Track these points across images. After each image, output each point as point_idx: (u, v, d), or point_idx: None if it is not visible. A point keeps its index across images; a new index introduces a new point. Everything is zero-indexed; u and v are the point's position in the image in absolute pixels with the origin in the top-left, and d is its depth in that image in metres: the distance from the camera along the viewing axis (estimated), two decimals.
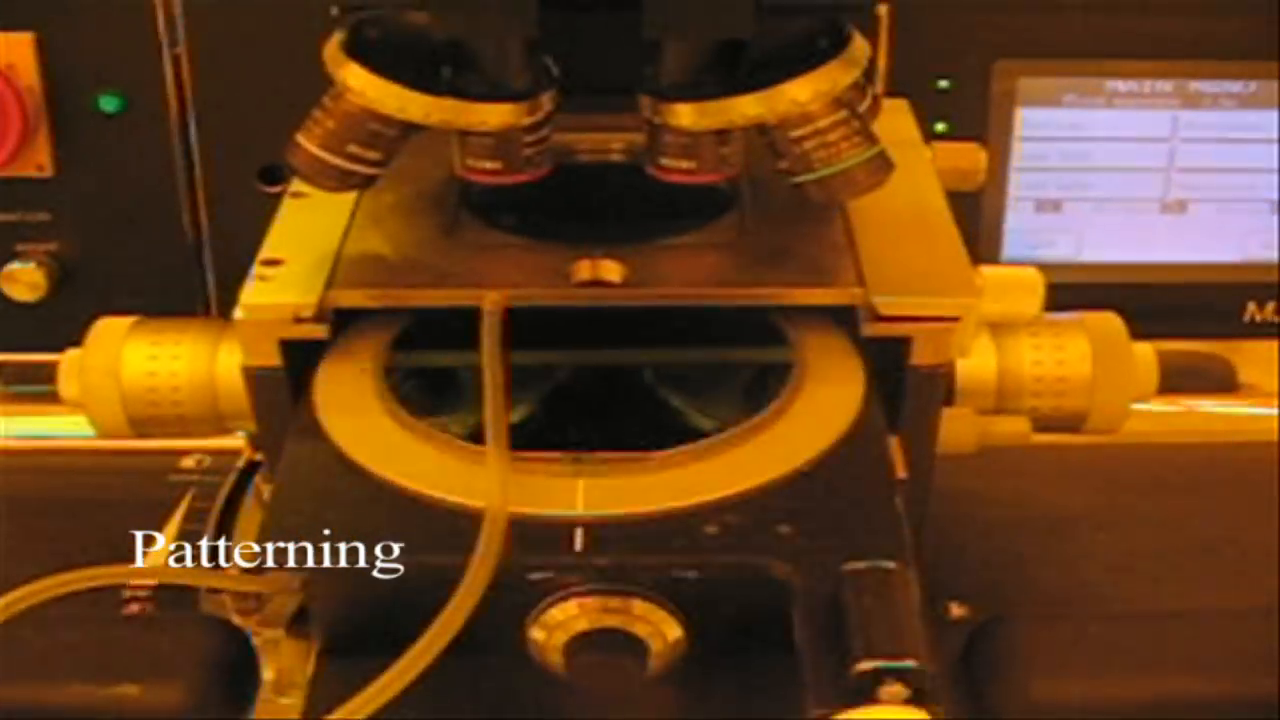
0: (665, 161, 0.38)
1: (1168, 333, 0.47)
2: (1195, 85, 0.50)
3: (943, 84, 0.49)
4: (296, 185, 0.41)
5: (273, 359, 0.36)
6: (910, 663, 0.28)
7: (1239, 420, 0.56)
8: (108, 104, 0.49)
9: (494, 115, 0.36)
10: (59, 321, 0.49)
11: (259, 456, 0.52)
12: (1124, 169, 0.51)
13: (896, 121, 0.45)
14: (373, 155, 0.37)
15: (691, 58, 0.36)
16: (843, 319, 0.37)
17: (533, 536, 0.31)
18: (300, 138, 0.37)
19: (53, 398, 0.44)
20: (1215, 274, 0.53)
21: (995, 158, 0.50)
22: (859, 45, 0.37)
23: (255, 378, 0.37)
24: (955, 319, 0.36)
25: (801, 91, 0.35)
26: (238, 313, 0.36)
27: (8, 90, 0.48)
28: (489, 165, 0.38)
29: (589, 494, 0.33)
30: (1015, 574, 0.47)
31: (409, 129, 0.37)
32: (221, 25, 0.49)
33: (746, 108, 0.36)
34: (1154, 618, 0.43)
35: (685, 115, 0.36)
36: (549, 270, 0.37)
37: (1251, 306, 0.52)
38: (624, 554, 0.32)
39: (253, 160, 0.50)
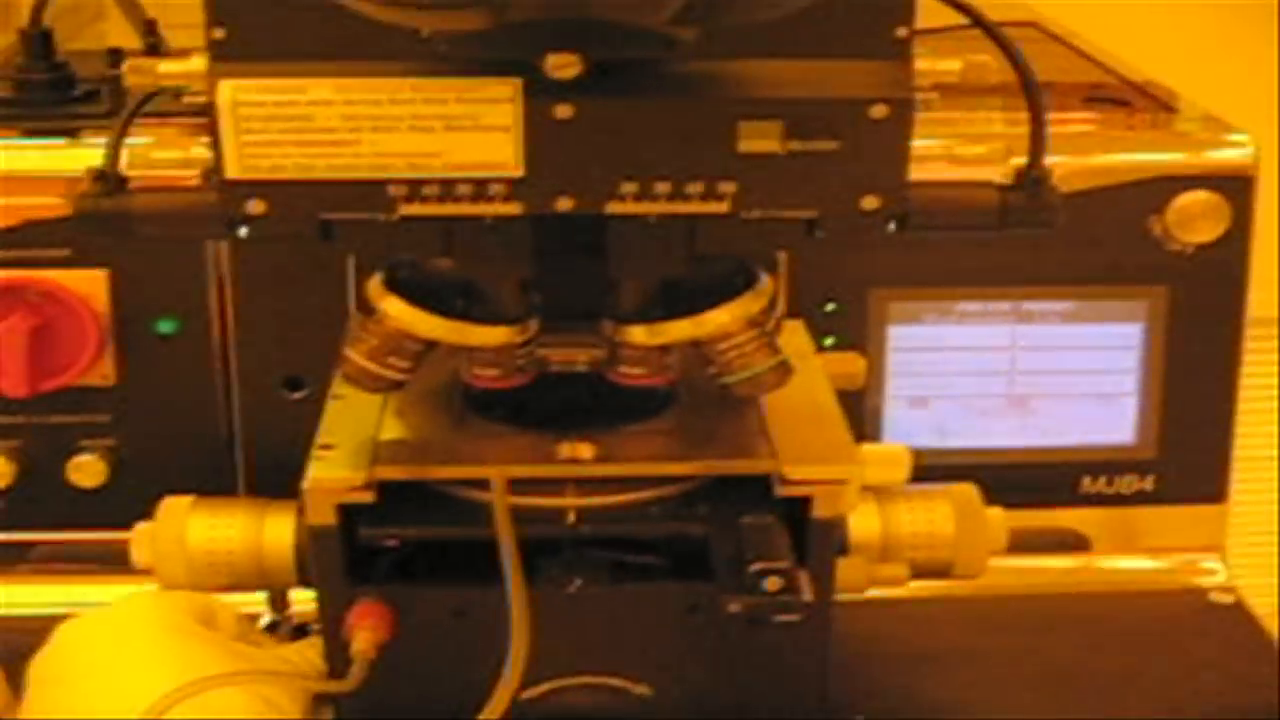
0: (623, 369, 0.50)
1: (1017, 503, 0.60)
2: (1028, 305, 0.64)
3: (830, 308, 0.63)
4: (337, 388, 0.52)
5: (330, 519, 0.47)
6: (784, 564, 0.44)
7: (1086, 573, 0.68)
8: (164, 327, 0.61)
9: (495, 336, 0.49)
10: (117, 506, 0.60)
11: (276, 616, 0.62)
12: (975, 373, 0.64)
13: (795, 337, 0.57)
14: (404, 365, 0.49)
15: (642, 293, 0.49)
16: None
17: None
18: (349, 352, 0.49)
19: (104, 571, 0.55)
20: (1054, 455, 0.66)
21: (873, 365, 0.63)
22: (766, 281, 0.50)
23: (317, 535, 0.48)
24: (844, 481, 0.48)
25: (724, 316, 0.48)
26: (305, 484, 0.47)
27: (87, 316, 0.59)
28: (489, 373, 0.50)
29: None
30: (901, 695, 0.59)
31: (432, 345, 0.49)
32: (258, 265, 0.61)
33: (684, 329, 0.48)
34: None
35: (638, 334, 0.49)
36: (538, 451, 0.49)
37: (1086, 480, 0.66)
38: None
39: (280, 371, 0.61)
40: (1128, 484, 0.65)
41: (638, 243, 0.47)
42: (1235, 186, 0.63)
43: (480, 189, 0.44)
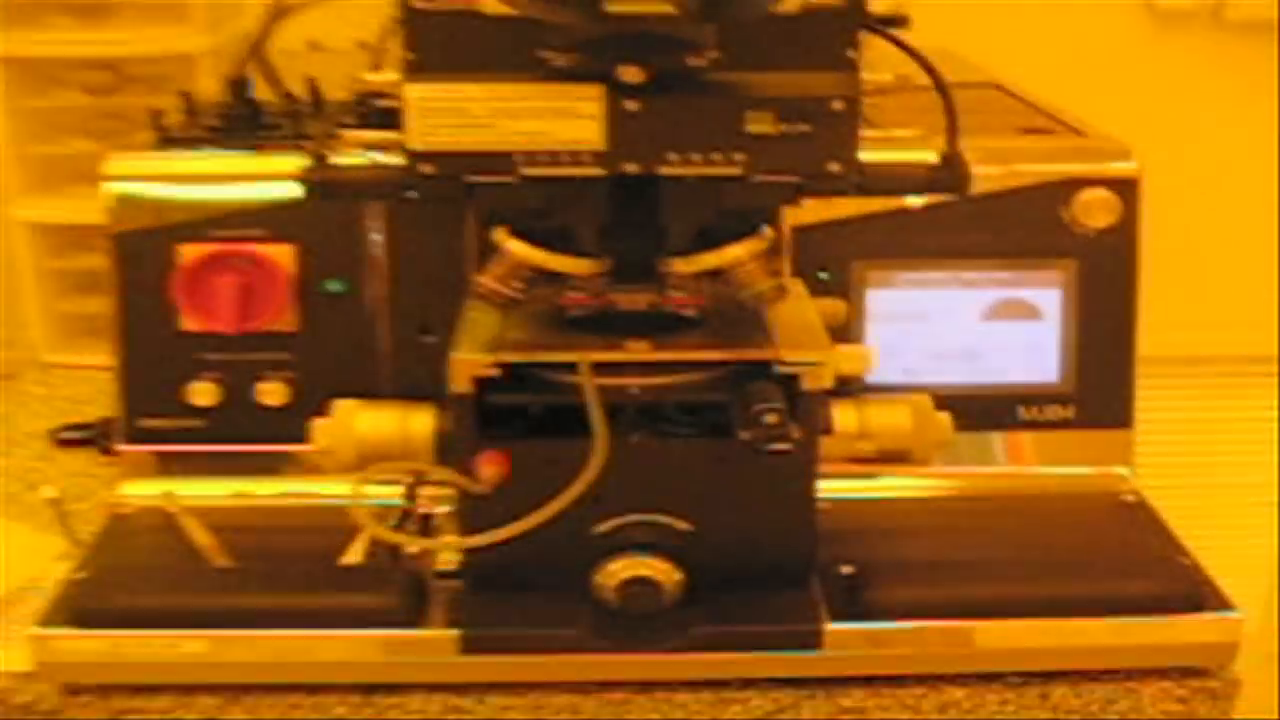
0: (670, 293, 0.72)
1: (968, 426, 0.80)
2: (971, 275, 0.85)
3: (823, 275, 0.84)
4: (469, 310, 0.73)
5: (468, 388, 0.69)
6: (779, 405, 0.64)
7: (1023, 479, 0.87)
8: (333, 286, 0.83)
9: (582, 266, 0.70)
10: (294, 424, 0.80)
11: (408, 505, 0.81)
12: (934, 326, 0.85)
13: (795, 287, 0.79)
14: (520, 286, 0.70)
15: (682, 236, 0.70)
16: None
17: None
18: (482, 277, 0.70)
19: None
20: (996, 390, 0.86)
21: (854, 320, 0.84)
22: (768, 230, 0.71)
23: (458, 399, 0.69)
24: (822, 363, 0.69)
25: (738, 250, 0.70)
26: (451, 361, 0.69)
27: (278, 278, 0.81)
28: (578, 295, 0.71)
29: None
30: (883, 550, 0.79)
31: (539, 272, 0.70)
32: (401, 241, 0.83)
33: (710, 260, 0.70)
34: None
35: (680, 264, 0.70)
36: (611, 347, 0.70)
37: (1020, 410, 0.86)
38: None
39: (417, 320, 0.83)
40: (1054, 413, 0.85)
41: (680, 198, 0.68)
42: (1125, 186, 0.84)
43: (575, 157, 0.65)
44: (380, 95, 0.69)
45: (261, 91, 0.92)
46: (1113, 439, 0.86)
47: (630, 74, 0.63)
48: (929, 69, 0.69)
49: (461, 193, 0.67)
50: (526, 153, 0.65)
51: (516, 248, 0.70)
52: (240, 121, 0.86)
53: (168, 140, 0.85)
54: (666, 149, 0.65)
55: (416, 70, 0.65)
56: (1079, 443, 0.86)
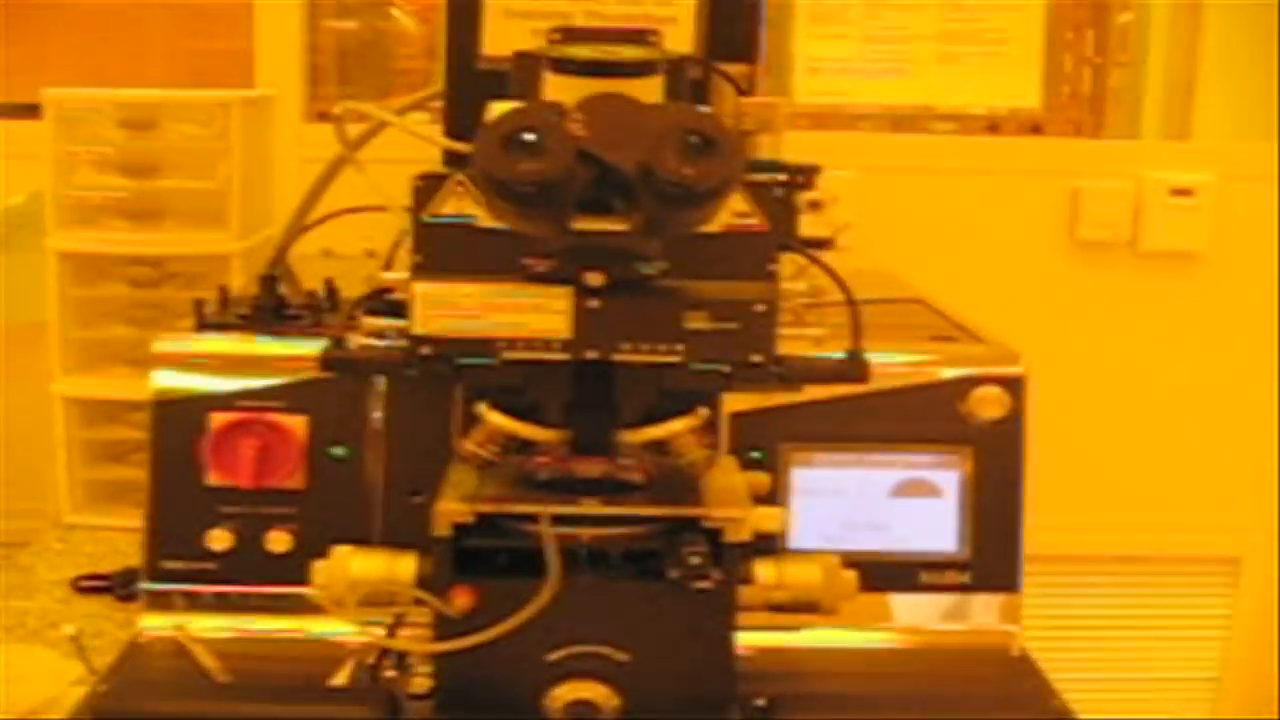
0: (620, 461, 0.86)
1: (877, 588, 0.94)
2: (880, 457, 1.00)
3: (755, 454, 0.99)
4: (451, 473, 0.88)
5: (448, 532, 0.82)
6: (703, 549, 0.80)
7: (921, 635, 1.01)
8: (337, 452, 0.97)
9: (548, 435, 0.83)
10: (298, 567, 0.93)
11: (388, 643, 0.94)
12: (848, 501, 0.99)
13: (728, 463, 0.93)
14: (496, 450, 0.84)
15: (631, 412, 0.83)
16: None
17: None
18: (464, 442, 0.84)
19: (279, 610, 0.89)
20: (901, 557, 0.99)
21: (780, 494, 0.98)
22: (703, 410, 0.85)
23: (438, 542, 0.83)
24: (741, 520, 0.83)
25: (678, 425, 0.83)
26: (435, 510, 0.82)
27: (291, 443, 0.96)
28: (544, 459, 0.86)
29: None
30: (795, 687, 0.91)
31: (512, 440, 0.84)
32: (395, 418, 0.98)
33: (654, 433, 0.83)
34: None
35: (627, 435, 0.84)
36: (568, 504, 0.84)
37: (923, 574, 0.99)
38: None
39: (407, 483, 0.97)
40: (951, 577, 0.99)
41: (631, 380, 0.81)
42: (1014, 384, 1.00)
43: (546, 344, 0.79)
44: (389, 290, 0.84)
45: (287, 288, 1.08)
46: (1004, 602, 0.99)
47: (593, 278, 0.78)
48: (838, 281, 0.84)
49: (453, 371, 0.81)
50: (507, 339, 0.80)
51: (495, 418, 0.84)
52: (268, 312, 1.02)
53: (206, 325, 1.01)
54: (621, 339, 0.80)
55: (422, 270, 0.80)
56: (973, 605, 0.99)
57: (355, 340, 0.87)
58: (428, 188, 0.81)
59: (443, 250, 0.80)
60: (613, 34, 0.78)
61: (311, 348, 0.86)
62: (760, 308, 0.80)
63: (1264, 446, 1.75)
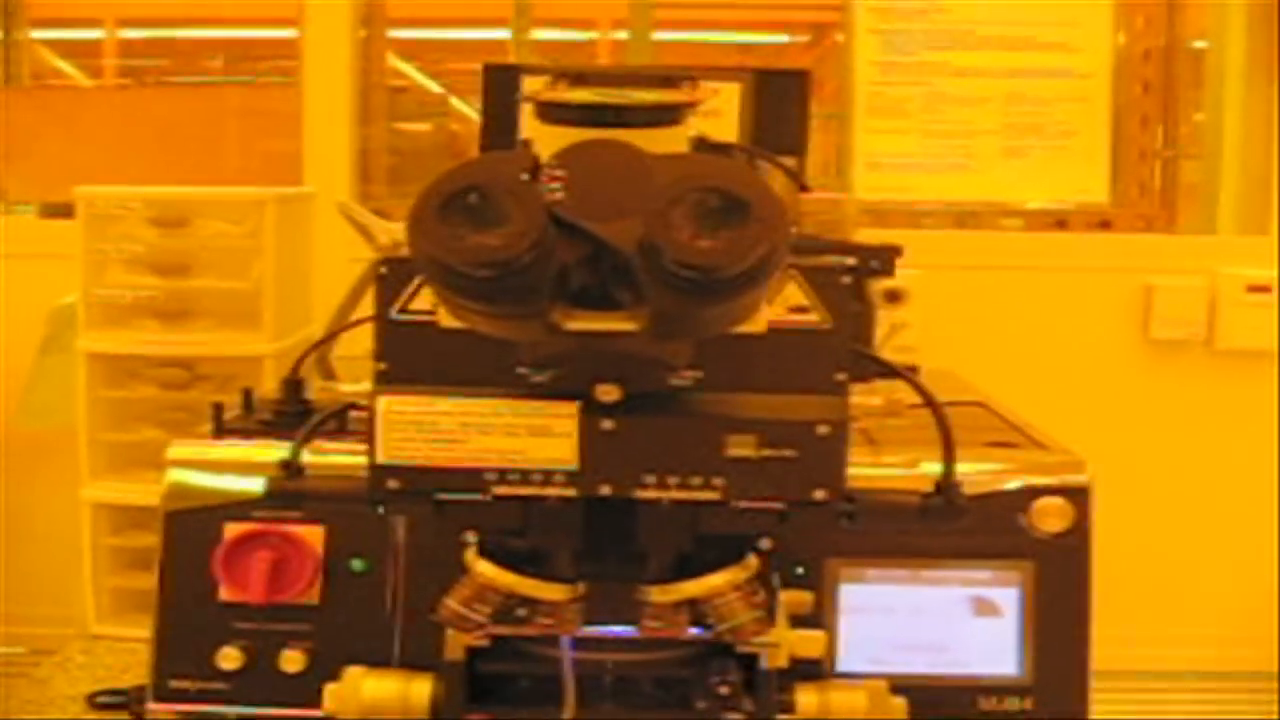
0: (645, 623, 0.72)
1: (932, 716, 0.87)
2: (934, 573, 0.93)
3: (799, 570, 0.92)
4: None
5: (461, 656, 0.77)
6: (734, 678, 0.72)
7: None
8: (357, 565, 0.92)
9: (555, 592, 0.71)
10: (312, 687, 0.88)
11: None
12: (901, 620, 0.92)
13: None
14: (487, 610, 0.73)
15: (660, 564, 0.71)
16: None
17: None
18: (448, 601, 0.75)
19: None
20: (958, 681, 0.92)
21: (826, 611, 0.91)
22: (751, 560, 0.73)
23: (450, 665, 0.77)
24: (777, 645, 0.76)
25: (719, 580, 0.71)
26: (447, 638, 0.77)
27: (307, 555, 0.91)
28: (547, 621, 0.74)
29: None
30: None
31: (509, 598, 0.73)
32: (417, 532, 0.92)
33: (690, 589, 0.71)
34: None
35: (655, 594, 0.71)
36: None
37: (981, 700, 0.92)
38: None
39: (431, 600, 0.91)
40: (1012, 704, 0.91)
41: (657, 522, 0.66)
42: (1078, 495, 0.92)
43: (548, 477, 0.64)
44: (355, 406, 0.71)
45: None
46: None
47: (606, 393, 0.62)
48: (926, 396, 0.73)
49: (432, 509, 0.66)
50: (498, 470, 0.64)
51: (485, 569, 0.70)
52: (292, 418, 0.98)
53: (224, 430, 0.97)
54: (644, 471, 0.63)
55: (388, 381, 0.65)
56: None
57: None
58: (394, 274, 0.66)
59: (415, 354, 0.64)
60: (629, 77, 0.60)
61: (335, 458, 0.81)
62: (823, 430, 0.64)
63: None
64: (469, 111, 1.88)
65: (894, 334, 0.97)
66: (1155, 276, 1.64)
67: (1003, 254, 1.68)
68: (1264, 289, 1.62)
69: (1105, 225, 1.75)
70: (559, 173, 0.55)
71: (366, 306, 1.06)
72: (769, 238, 0.54)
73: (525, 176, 0.55)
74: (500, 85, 0.98)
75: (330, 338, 1.06)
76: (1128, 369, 1.65)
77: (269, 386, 1.19)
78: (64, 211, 1.38)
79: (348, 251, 1.23)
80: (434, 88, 1.96)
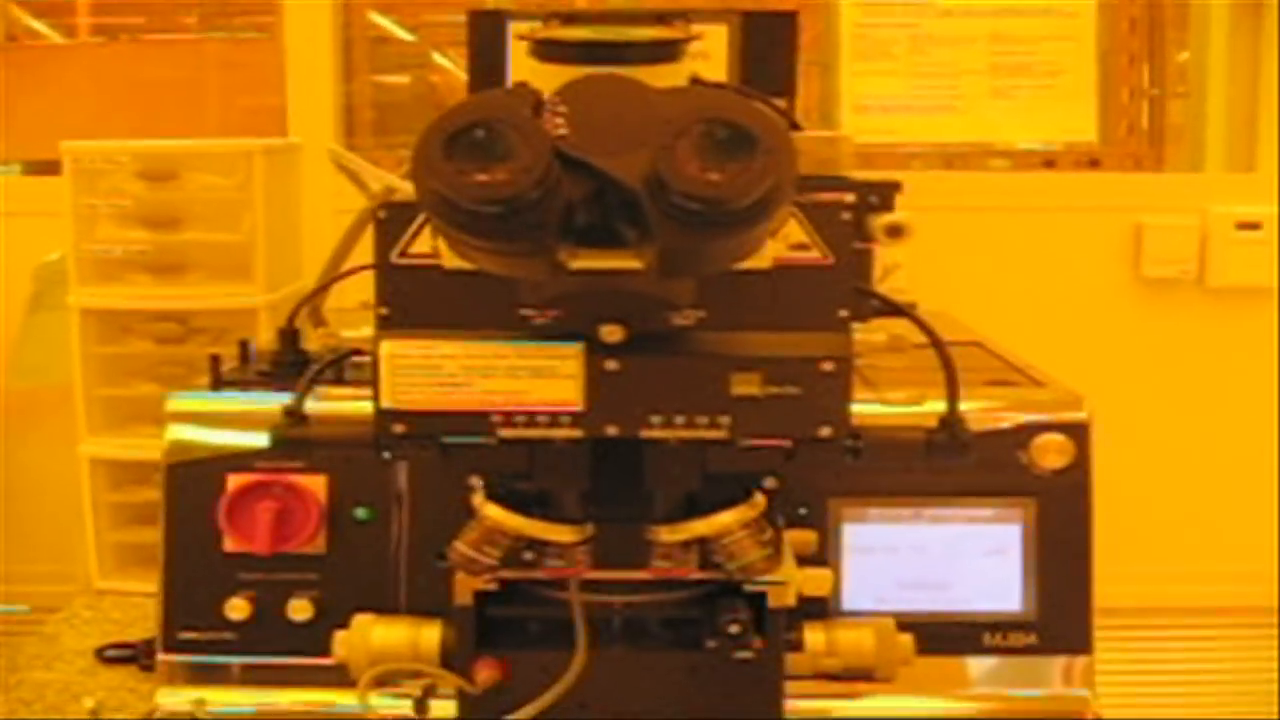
0: (654, 563, 0.73)
1: (938, 651, 0.87)
2: (938, 511, 0.93)
3: (802, 511, 0.92)
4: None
5: (470, 601, 0.77)
6: (743, 616, 0.73)
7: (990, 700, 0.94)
8: (361, 514, 0.92)
9: (562, 534, 0.72)
10: (320, 636, 0.88)
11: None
12: (903, 559, 0.93)
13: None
14: (496, 554, 0.73)
15: (668, 504, 0.72)
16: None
17: None
18: (458, 544, 0.74)
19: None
20: (962, 618, 0.92)
21: (830, 552, 0.92)
22: (759, 497, 0.73)
23: (459, 611, 0.77)
24: (784, 583, 0.76)
25: (727, 518, 0.72)
26: (456, 579, 0.77)
27: (311, 505, 0.91)
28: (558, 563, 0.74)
29: None
30: None
31: (518, 540, 0.73)
32: (422, 478, 0.92)
33: (698, 528, 0.71)
34: None
35: (664, 533, 0.72)
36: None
37: (985, 636, 0.92)
38: None
39: (433, 546, 0.91)
40: (1016, 639, 0.92)
41: (664, 462, 0.67)
42: (1077, 431, 0.93)
43: (554, 419, 0.64)
44: (359, 352, 0.71)
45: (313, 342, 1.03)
46: (1073, 664, 0.92)
47: (610, 333, 0.62)
48: (930, 333, 0.73)
49: (437, 453, 0.66)
50: (504, 413, 0.64)
51: (494, 513, 0.70)
52: (289, 368, 0.98)
53: (223, 382, 0.96)
54: (649, 411, 0.64)
55: (391, 326, 0.64)
56: (1041, 667, 0.92)
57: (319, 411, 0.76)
58: (394, 219, 0.65)
59: (416, 299, 0.64)
60: (622, 16, 0.60)
61: (339, 405, 0.80)
62: (828, 366, 0.64)
63: None
64: (447, 64, 1.86)
65: (886, 275, 0.96)
66: (1145, 215, 1.64)
67: (992, 195, 1.67)
68: (1254, 225, 1.62)
69: (1094, 165, 1.74)
70: (562, 109, 0.54)
71: (358, 256, 1.06)
72: (776, 169, 0.53)
73: (527, 112, 0.55)
74: (486, 31, 0.98)
75: (325, 286, 1.05)
76: (1120, 308, 1.65)
77: (264, 338, 1.19)
78: (50, 169, 1.37)
79: (334, 203, 1.23)
80: (411, 39, 1.95)
